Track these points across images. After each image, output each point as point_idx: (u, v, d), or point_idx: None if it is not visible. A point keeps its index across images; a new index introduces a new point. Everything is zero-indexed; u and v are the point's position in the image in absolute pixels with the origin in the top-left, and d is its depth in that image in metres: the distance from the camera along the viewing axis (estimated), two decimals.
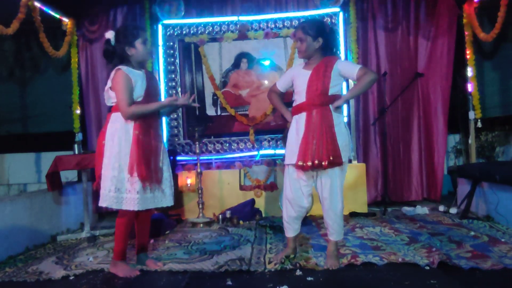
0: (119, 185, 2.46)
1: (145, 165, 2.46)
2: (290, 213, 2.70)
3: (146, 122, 2.52)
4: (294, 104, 2.69)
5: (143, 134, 2.49)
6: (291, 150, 2.62)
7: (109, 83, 2.53)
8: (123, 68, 2.49)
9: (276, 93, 2.86)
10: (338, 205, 2.60)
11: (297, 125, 2.62)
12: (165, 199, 2.65)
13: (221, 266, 2.65)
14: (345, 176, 2.68)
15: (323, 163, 2.45)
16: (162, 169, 2.60)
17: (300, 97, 2.64)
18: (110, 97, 2.56)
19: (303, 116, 2.59)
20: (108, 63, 2.64)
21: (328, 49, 2.66)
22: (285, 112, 2.82)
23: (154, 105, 2.56)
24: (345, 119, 4.38)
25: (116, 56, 2.56)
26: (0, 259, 2.98)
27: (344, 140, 2.56)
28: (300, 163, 2.51)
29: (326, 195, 2.58)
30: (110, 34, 2.56)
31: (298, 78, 2.67)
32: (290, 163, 2.63)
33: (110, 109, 2.59)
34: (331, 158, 2.46)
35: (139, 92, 2.52)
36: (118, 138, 2.48)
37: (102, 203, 2.50)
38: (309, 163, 2.47)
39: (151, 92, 2.60)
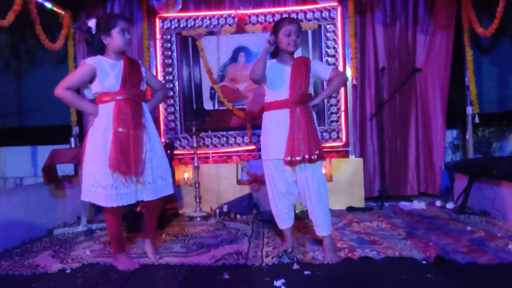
0: (100, 180, 2.40)
1: (123, 159, 2.36)
2: (285, 203, 2.77)
3: (123, 113, 2.42)
4: (271, 99, 2.67)
5: (122, 126, 2.40)
6: (275, 145, 2.64)
7: None
8: (88, 60, 2.46)
9: None
10: (326, 196, 2.67)
11: (278, 121, 2.64)
12: (166, 188, 2.62)
13: (218, 260, 2.65)
14: (339, 171, 2.72)
15: (312, 157, 2.55)
16: (145, 160, 2.47)
17: (280, 93, 2.64)
18: (89, 91, 2.52)
19: (285, 112, 2.62)
20: (89, 51, 2.57)
21: None
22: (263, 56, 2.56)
23: (81, 104, 2.48)
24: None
25: (94, 45, 2.51)
26: None
27: (319, 135, 2.70)
28: (288, 158, 2.58)
29: (315, 187, 2.62)
30: (92, 23, 2.51)
31: (275, 73, 2.66)
32: (275, 157, 2.67)
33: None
34: (317, 152, 2.57)
35: (112, 80, 2.44)
36: (99, 132, 2.43)
37: (84, 197, 2.47)
38: (298, 158, 2.56)
39: (129, 80, 2.49)
